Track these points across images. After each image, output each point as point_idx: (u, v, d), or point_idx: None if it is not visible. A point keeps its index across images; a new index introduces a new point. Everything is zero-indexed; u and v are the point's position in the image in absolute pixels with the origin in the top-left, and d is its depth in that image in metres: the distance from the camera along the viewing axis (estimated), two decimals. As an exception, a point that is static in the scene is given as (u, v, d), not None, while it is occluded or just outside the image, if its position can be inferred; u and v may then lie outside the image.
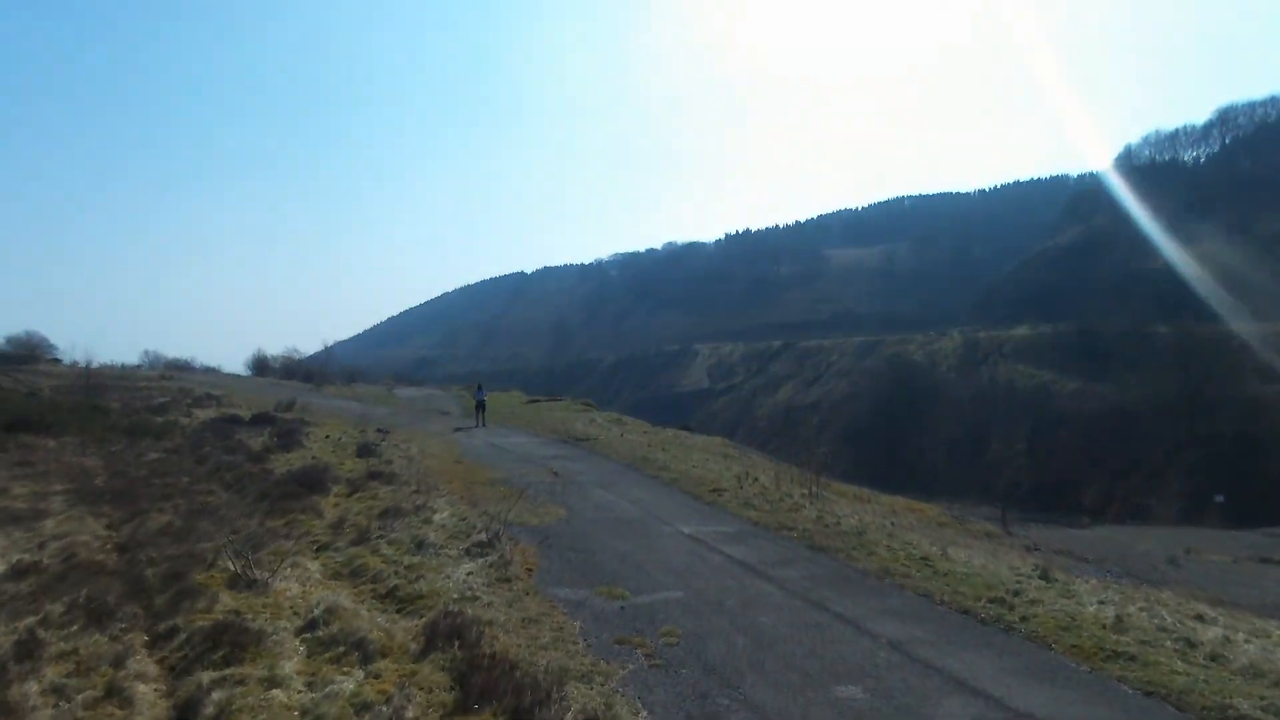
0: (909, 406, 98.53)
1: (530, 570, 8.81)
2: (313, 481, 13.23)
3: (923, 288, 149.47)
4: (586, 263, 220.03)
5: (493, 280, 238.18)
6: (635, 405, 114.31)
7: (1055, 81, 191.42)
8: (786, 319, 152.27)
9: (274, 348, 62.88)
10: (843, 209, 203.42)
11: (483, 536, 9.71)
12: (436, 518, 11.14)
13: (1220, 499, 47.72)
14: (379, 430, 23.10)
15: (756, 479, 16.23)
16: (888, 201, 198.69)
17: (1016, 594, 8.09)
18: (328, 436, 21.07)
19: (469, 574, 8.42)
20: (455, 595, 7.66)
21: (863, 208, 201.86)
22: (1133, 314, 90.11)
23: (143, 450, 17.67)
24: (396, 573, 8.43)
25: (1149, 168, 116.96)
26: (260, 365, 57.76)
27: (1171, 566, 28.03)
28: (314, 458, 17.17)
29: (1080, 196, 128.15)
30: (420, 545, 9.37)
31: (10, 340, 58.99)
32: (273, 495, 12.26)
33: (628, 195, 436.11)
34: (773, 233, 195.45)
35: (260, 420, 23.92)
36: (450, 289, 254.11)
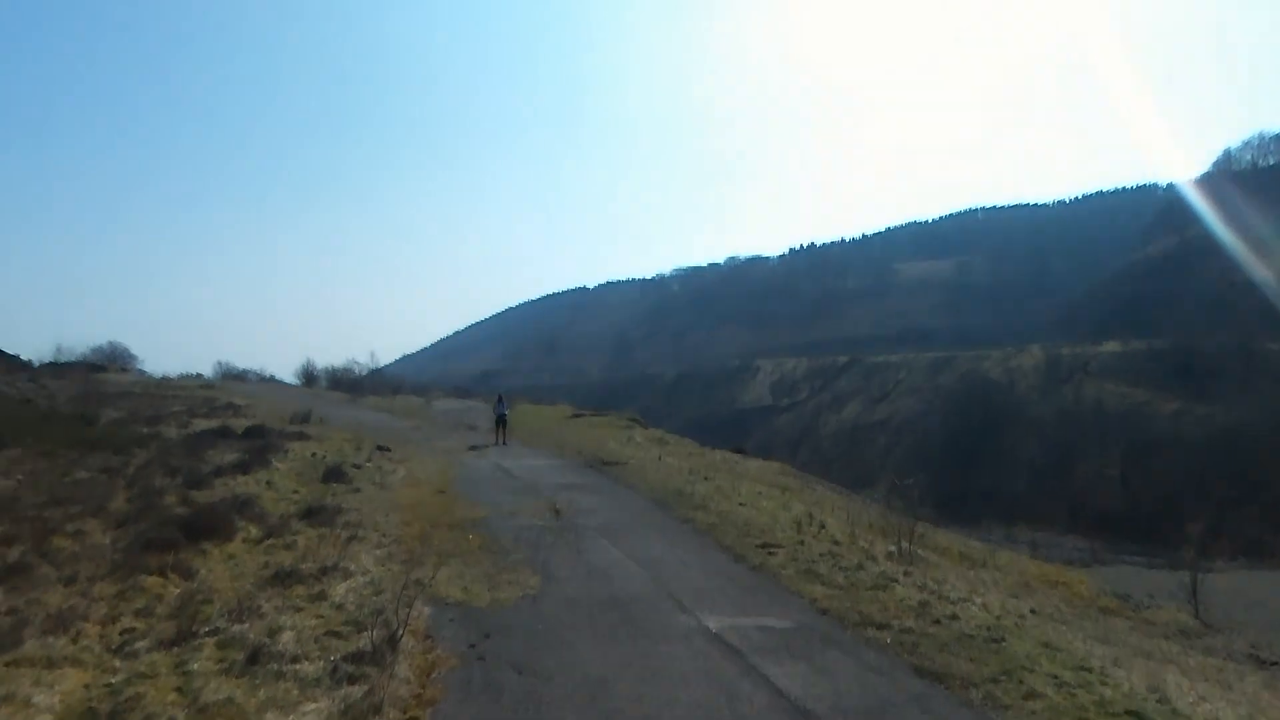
0: (985, 426, 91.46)
1: (417, 724, 4.85)
2: (215, 522, 9.61)
3: (998, 302, 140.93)
4: (648, 277, 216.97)
5: (555, 295, 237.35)
6: (695, 421, 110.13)
7: (1139, 86, 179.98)
8: (853, 334, 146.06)
9: (339, 360, 61.33)
10: (912, 221, 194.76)
11: (370, 640, 5.81)
12: (338, 590, 7.33)
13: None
14: (379, 447, 19.67)
15: (823, 525, 11.97)
16: (960, 213, 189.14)
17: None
18: (313, 454, 17.67)
19: (296, 735, 4.53)
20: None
21: (933, 220, 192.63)
22: (1238, 330, 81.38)
23: (75, 467, 14.52)
24: (173, 725, 4.60)
25: (1251, 172, 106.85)
26: (308, 376, 56.34)
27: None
28: (269, 483, 13.69)
29: (1173, 205, 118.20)
30: (256, 656, 5.53)
31: (95, 350, 61.01)
32: (141, 543, 8.67)
33: (689, 208, 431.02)
34: (838, 246, 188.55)
35: (253, 433, 20.76)
36: (514, 303, 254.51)
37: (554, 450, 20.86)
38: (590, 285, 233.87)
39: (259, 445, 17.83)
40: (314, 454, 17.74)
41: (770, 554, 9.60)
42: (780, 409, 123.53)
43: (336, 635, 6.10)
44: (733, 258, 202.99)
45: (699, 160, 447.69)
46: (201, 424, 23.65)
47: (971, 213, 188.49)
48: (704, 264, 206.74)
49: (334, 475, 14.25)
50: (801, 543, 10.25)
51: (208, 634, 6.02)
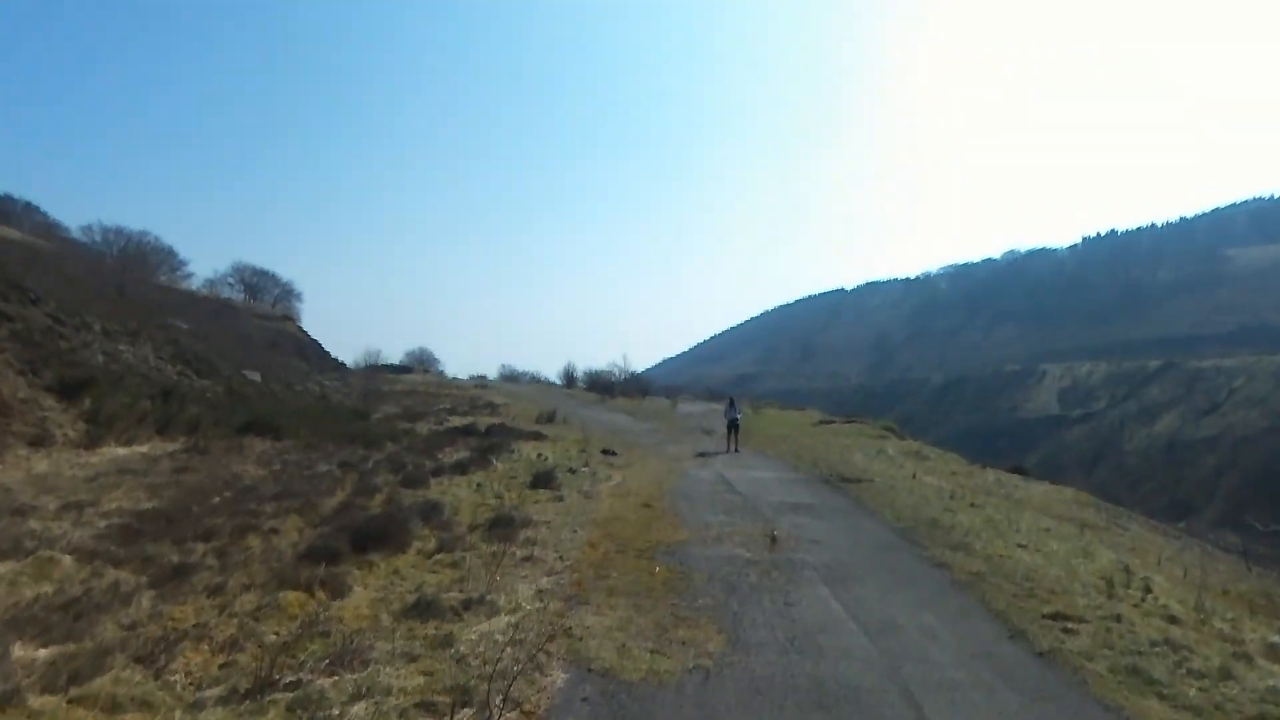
0: (1367, 449, 71.25)
1: None
2: (393, 530, 8.86)
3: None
4: (912, 276, 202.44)
5: (812, 297, 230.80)
6: (966, 432, 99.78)
7: None
8: (1165, 334, 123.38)
9: (602, 363, 64.71)
10: (1251, 198, 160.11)
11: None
12: (472, 633, 5.91)
13: None
14: (605, 450, 18.83)
15: (1149, 588, 8.42)
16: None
17: None
18: (538, 455, 17.18)
19: None
20: None
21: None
22: None
23: (324, 460, 15.27)
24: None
25: None
26: (569, 378, 59.19)
27: None
28: (478, 485, 13.15)
29: None
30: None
31: (408, 354, 71.53)
32: (302, 552, 8.07)
33: (959, 200, 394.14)
34: (1147, 232, 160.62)
35: (492, 432, 21.13)
36: (770, 307, 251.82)
37: (789, 461, 18.52)
38: (848, 287, 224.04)
39: (488, 445, 17.78)
40: (539, 455, 17.25)
41: (1067, 632, 6.59)
42: (1071, 420, 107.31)
43: (428, 709, 4.59)
44: (1011, 251, 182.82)
45: (967, 145, 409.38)
46: (455, 421, 24.82)
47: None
48: (976, 260, 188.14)
49: (544, 480, 13.34)
50: (1117, 618, 7.01)
51: (288, 686, 4.83)
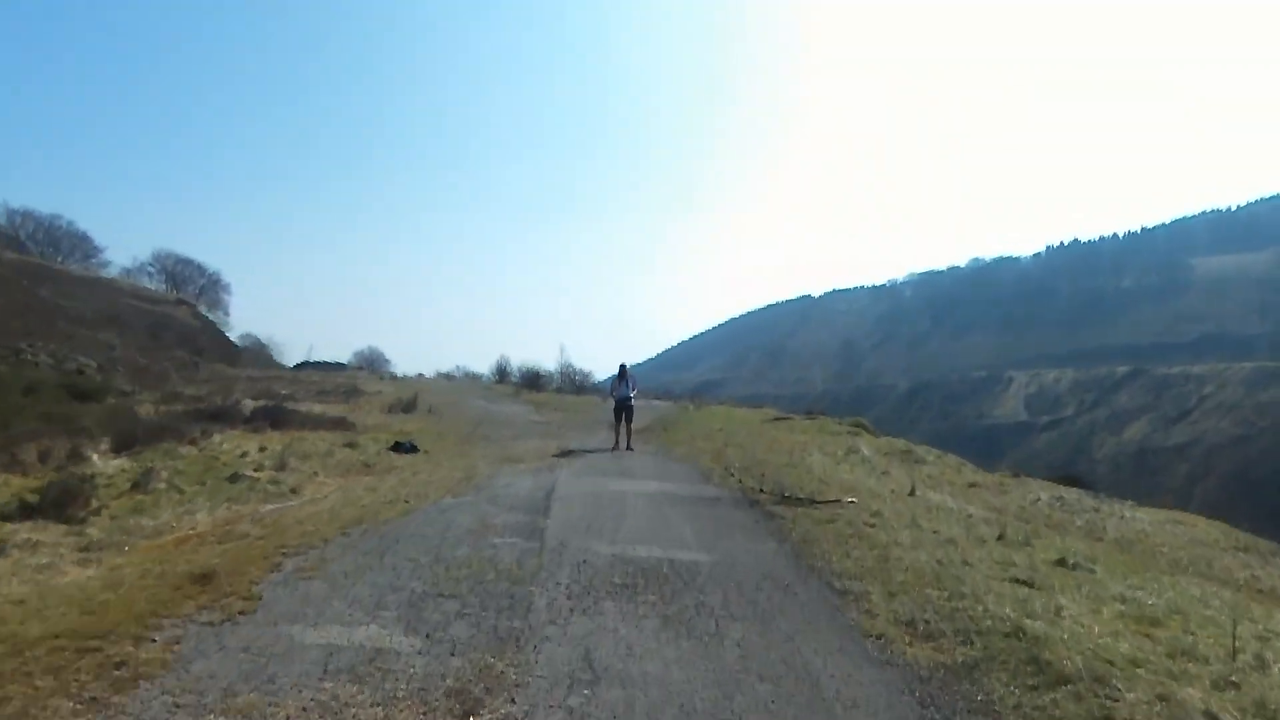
0: (1349, 458, 65.64)
1: None
2: None
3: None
4: (878, 284, 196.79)
5: (780, 304, 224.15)
6: (933, 437, 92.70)
7: None
8: (1130, 341, 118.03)
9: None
10: (1210, 209, 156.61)
11: None
12: None
13: None
14: (398, 445, 10.96)
15: None
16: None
17: None
18: (243, 453, 9.25)
19: None
20: None
21: (1240, 206, 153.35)
22: None
23: None
24: None
25: None
26: (501, 373, 51.95)
27: None
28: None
29: None
30: None
31: (357, 354, 64.73)
32: None
33: (925, 209, 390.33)
34: (1109, 242, 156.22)
35: (257, 415, 13.17)
36: (738, 313, 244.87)
37: (700, 465, 10.72)
38: (816, 294, 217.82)
39: (163, 432, 9.78)
40: (241, 453, 9.31)
41: None
42: (1039, 427, 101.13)
43: None
44: (976, 259, 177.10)
45: (935, 155, 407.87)
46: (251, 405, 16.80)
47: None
48: (942, 268, 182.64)
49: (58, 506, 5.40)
50: None
51: None
